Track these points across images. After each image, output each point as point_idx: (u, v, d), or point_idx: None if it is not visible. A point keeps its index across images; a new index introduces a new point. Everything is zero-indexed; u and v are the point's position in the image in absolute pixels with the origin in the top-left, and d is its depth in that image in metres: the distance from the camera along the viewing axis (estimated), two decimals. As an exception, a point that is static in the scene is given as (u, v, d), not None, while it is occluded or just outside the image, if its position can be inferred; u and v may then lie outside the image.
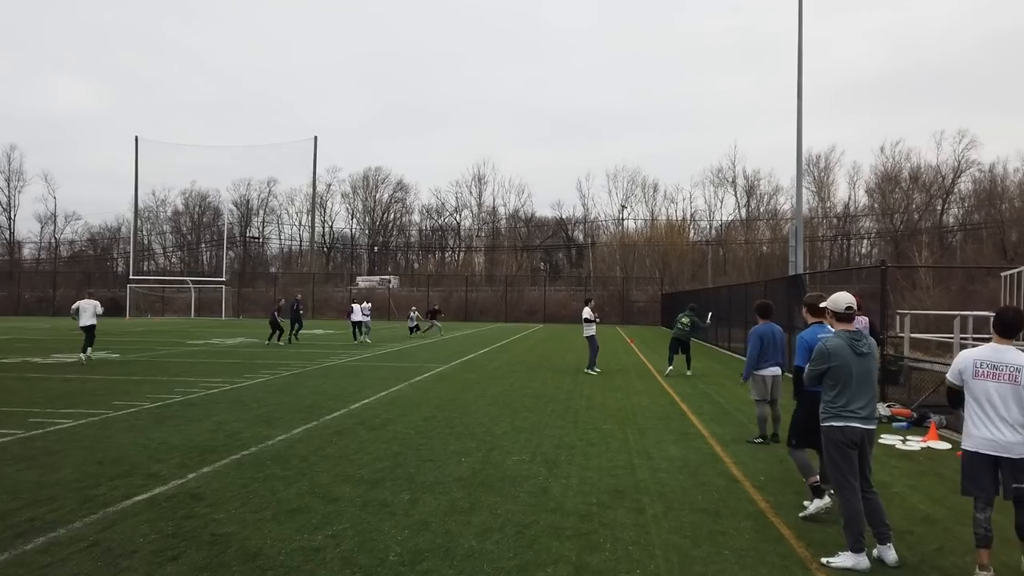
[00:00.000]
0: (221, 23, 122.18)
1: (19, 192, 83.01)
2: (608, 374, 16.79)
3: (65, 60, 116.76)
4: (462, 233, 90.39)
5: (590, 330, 17.33)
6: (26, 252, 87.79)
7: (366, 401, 11.80)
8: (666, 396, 13.05)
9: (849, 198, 77.34)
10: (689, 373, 16.75)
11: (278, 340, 25.42)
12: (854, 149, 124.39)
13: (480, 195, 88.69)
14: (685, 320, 17.02)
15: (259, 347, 24.20)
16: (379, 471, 7.06)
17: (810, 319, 6.19)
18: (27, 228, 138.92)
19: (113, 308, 60.36)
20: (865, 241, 78.05)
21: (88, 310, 18.10)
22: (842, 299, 4.76)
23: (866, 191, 75.00)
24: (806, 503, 6.00)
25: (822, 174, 75.89)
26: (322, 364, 18.34)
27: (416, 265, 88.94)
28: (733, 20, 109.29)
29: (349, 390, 13.16)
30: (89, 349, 17.71)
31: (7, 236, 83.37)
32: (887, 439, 9.21)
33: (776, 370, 9.04)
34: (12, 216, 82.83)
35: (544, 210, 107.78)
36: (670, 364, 16.82)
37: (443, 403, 11.73)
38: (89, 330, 17.88)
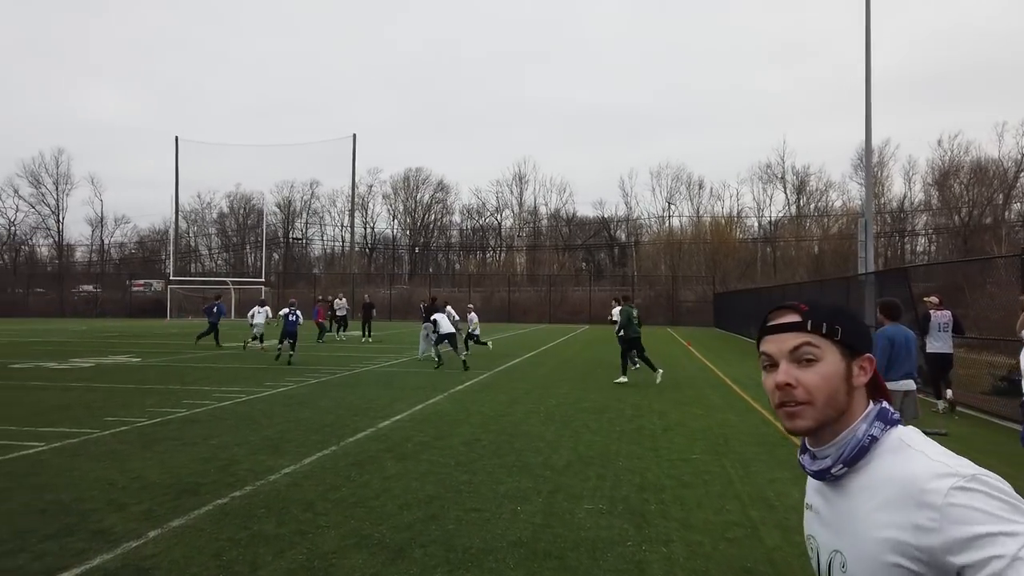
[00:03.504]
0: (263, 33, 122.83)
1: (67, 195, 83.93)
2: (675, 384, 14.69)
3: (109, 68, 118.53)
4: (503, 233, 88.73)
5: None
6: (79, 255, 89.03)
7: (397, 418, 9.98)
8: (753, 412, 10.93)
9: (904, 194, 73.54)
10: (658, 369, 14.50)
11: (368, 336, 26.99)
12: (909, 143, 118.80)
13: (521, 194, 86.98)
14: (636, 314, 14.95)
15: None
16: (406, 528, 5.18)
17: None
18: (79, 232, 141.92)
19: (156, 310, 60.22)
20: (922, 238, 74.27)
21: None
22: None
23: (923, 186, 71.27)
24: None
25: (875, 169, 72.16)
26: (354, 369, 16.63)
27: (457, 266, 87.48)
28: (779, 15, 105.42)
29: (378, 403, 11.37)
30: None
31: (56, 238, 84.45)
32: None
33: (911, 383, 7.21)
34: (60, 219, 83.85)
35: (586, 209, 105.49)
36: (624, 374, 14.58)
37: (488, 421, 9.84)
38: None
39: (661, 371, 14.55)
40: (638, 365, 15.74)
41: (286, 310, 18.88)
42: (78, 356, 19.77)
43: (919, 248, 74.25)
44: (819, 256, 67.10)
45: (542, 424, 9.59)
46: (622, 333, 14.94)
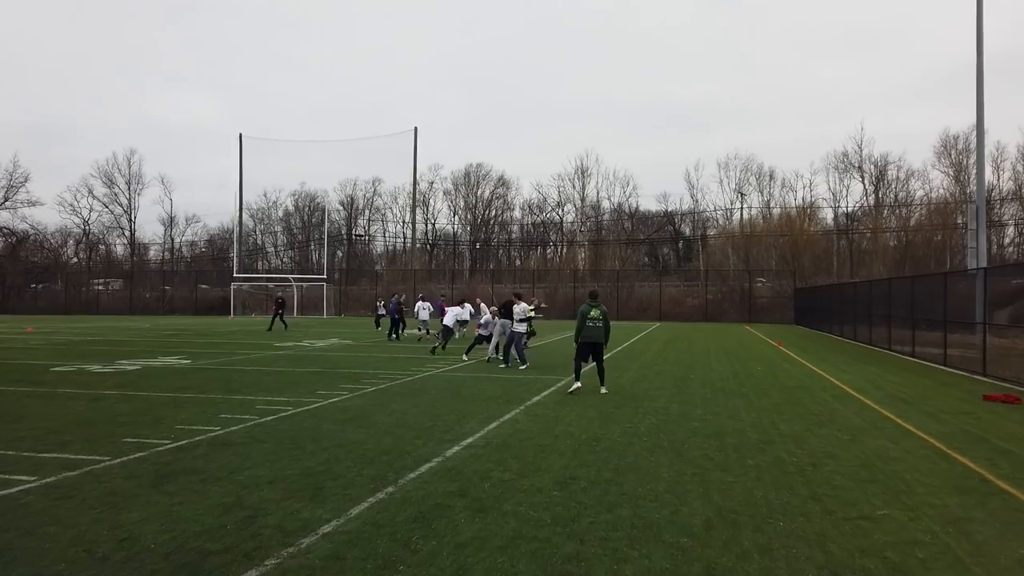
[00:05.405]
0: (324, 35, 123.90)
1: (139, 195, 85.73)
2: (789, 396, 12.46)
3: (180, 71, 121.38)
4: (564, 228, 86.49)
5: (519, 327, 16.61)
6: (152, 253, 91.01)
7: (468, 441, 8.14)
8: (913, 438, 8.67)
9: (993, 183, 68.15)
10: (604, 391, 12.15)
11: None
12: (996, 128, 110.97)
13: (583, 188, 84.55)
14: (596, 313, 12.31)
15: (349, 350, 21.23)
16: (497, 658, 3.30)
17: None
18: (151, 231, 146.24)
19: (223, 307, 60.43)
20: (1011, 228, 68.81)
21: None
22: None
23: (1013, 173, 65.90)
24: None
25: (960, 156, 67.05)
26: (416, 374, 14.96)
27: (519, 262, 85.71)
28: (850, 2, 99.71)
29: (445, 419, 9.57)
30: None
31: (128, 236, 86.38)
32: None
33: None
34: (132, 218, 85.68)
35: (649, 203, 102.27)
36: (577, 380, 12.36)
37: (581, 447, 7.90)
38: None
39: (604, 390, 12.23)
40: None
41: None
42: (128, 357, 18.72)
43: (1006, 240, 69.03)
44: (904, 248, 62.70)
45: (650, 453, 7.60)
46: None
